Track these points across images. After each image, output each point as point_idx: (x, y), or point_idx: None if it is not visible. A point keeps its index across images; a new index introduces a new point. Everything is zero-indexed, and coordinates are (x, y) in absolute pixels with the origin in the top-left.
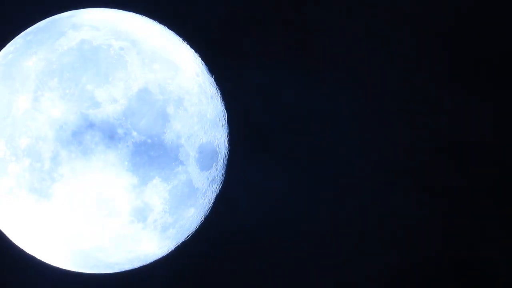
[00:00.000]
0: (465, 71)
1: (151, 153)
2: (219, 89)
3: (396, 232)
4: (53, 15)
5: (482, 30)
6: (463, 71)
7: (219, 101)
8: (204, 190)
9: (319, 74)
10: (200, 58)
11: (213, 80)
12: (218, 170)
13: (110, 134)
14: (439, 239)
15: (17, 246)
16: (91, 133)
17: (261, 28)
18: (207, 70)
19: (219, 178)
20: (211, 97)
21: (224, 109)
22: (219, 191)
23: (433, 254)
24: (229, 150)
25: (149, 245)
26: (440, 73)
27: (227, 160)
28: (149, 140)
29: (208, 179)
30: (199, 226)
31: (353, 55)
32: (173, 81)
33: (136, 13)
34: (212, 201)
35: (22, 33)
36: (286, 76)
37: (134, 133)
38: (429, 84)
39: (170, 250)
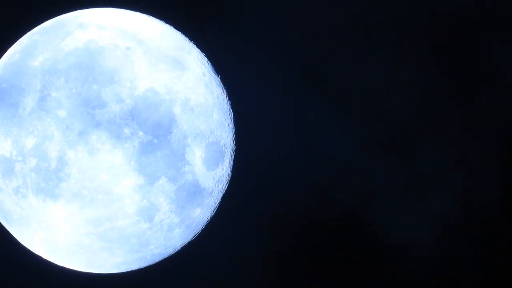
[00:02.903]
0: None
1: (158, 153)
2: (225, 88)
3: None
4: (59, 15)
5: None
6: None
7: (225, 100)
8: (210, 190)
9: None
10: (206, 58)
11: (219, 79)
12: (224, 170)
13: (117, 134)
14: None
15: (24, 245)
16: (98, 133)
17: (267, 28)
18: (213, 70)
19: (225, 178)
20: (217, 97)
21: (230, 109)
22: (226, 191)
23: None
24: (236, 149)
25: (156, 245)
26: None
27: (233, 160)
28: (155, 140)
29: (214, 179)
30: (205, 226)
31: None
32: (179, 80)
33: (142, 13)
34: (219, 201)
35: (29, 33)
36: (292, 75)
37: (141, 133)
38: None
39: (176, 250)
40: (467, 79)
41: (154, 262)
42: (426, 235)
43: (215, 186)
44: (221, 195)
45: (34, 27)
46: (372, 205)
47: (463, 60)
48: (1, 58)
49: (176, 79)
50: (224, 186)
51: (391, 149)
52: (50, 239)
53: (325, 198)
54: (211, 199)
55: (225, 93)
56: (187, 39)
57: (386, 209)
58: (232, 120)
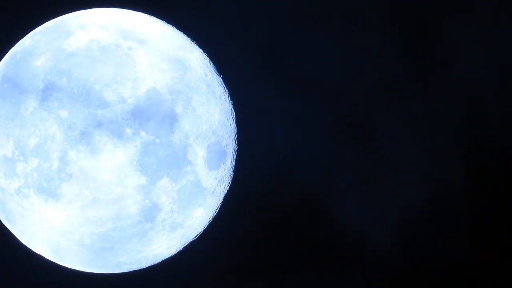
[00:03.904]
0: None
1: (160, 153)
2: (227, 88)
3: None
4: (61, 15)
5: None
6: None
7: (227, 100)
8: (212, 189)
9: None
10: (208, 58)
11: (221, 79)
12: (226, 170)
13: (119, 134)
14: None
15: (26, 245)
16: (100, 133)
17: (269, 28)
18: (215, 70)
19: (227, 178)
20: (219, 97)
21: (232, 109)
22: (228, 191)
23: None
24: (237, 149)
25: (158, 245)
26: None
27: (235, 160)
28: (157, 140)
29: (216, 179)
30: (207, 226)
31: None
32: (181, 80)
33: (144, 13)
34: (221, 201)
35: (31, 33)
36: (294, 75)
37: (143, 133)
38: None
39: (178, 250)
40: (430, 63)
41: (156, 262)
42: (387, 222)
43: (217, 186)
44: (223, 195)
45: (36, 27)
46: (333, 191)
47: (426, 43)
48: (3, 58)
49: (178, 79)
50: (226, 186)
51: (353, 134)
52: (51, 239)
53: (284, 184)
54: (213, 199)
55: (227, 93)
56: (189, 39)
57: (347, 196)
58: (234, 120)
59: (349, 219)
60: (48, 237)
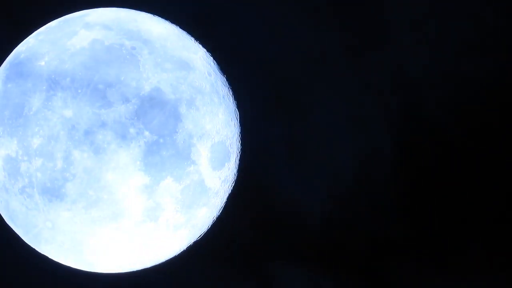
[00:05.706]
0: None
1: (163, 153)
2: (231, 88)
3: None
4: (65, 14)
5: None
6: None
7: (231, 100)
8: (216, 189)
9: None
10: (212, 58)
11: (225, 79)
12: (230, 169)
13: (122, 134)
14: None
15: (30, 245)
16: (103, 132)
17: (271, 27)
18: (219, 70)
19: (231, 177)
20: (223, 97)
21: (236, 109)
22: (231, 190)
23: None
24: (241, 149)
25: (161, 244)
26: None
27: (239, 160)
28: (161, 140)
29: (220, 179)
30: (211, 225)
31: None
32: (185, 80)
33: (148, 12)
34: (224, 200)
35: (34, 33)
36: (296, 75)
37: (146, 133)
38: None
39: (182, 250)
40: (363, 37)
41: (159, 262)
42: (319, 194)
43: (221, 186)
44: (227, 195)
45: (40, 27)
46: (265, 163)
47: (360, 17)
48: (7, 58)
49: (182, 79)
50: (230, 186)
51: (285, 106)
52: (55, 239)
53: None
54: (217, 199)
55: (231, 93)
56: (192, 38)
57: (279, 168)
58: (238, 119)
59: (284, 191)
60: (52, 237)
